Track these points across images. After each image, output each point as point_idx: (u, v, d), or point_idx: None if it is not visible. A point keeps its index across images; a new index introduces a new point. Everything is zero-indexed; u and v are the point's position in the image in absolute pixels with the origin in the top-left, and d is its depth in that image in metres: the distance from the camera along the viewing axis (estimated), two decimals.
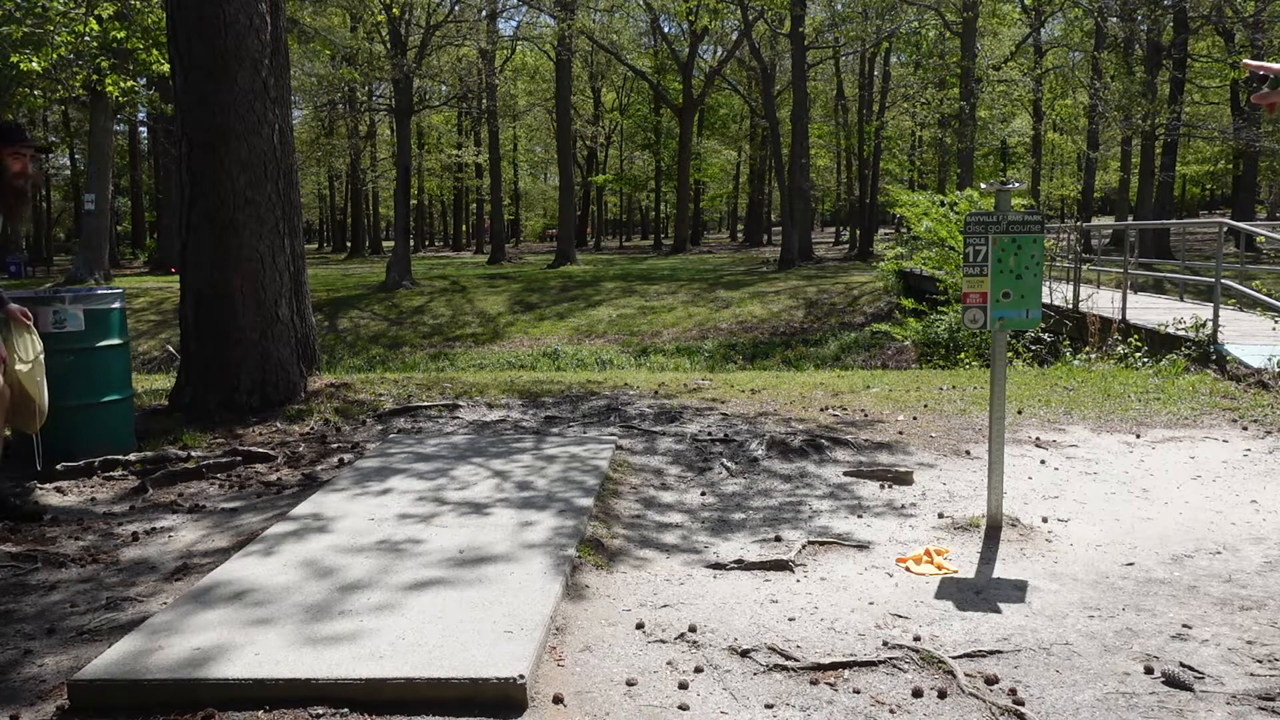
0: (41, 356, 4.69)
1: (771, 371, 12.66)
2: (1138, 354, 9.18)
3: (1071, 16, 33.60)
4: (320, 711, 2.65)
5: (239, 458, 5.55)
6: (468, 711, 2.64)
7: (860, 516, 4.50)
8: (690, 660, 3.01)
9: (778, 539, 4.13)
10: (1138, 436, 5.99)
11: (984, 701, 2.73)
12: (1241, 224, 13.80)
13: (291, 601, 3.27)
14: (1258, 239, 23.90)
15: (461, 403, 7.17)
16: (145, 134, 40.98)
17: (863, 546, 4.07)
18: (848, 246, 40.70)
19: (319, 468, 5.45)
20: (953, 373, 9.46)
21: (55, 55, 16.90)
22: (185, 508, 4.78)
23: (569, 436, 5.99)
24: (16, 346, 4.56)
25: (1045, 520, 4.37)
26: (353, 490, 4.71)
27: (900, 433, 6.13)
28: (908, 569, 3.80)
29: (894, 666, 2.96)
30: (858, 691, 2.81)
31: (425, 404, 7.00)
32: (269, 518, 4.48)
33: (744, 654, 3.04)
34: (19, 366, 4.52)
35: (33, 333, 4.69)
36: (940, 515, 4.47)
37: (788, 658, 3.00)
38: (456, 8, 33.75)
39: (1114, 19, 27.16)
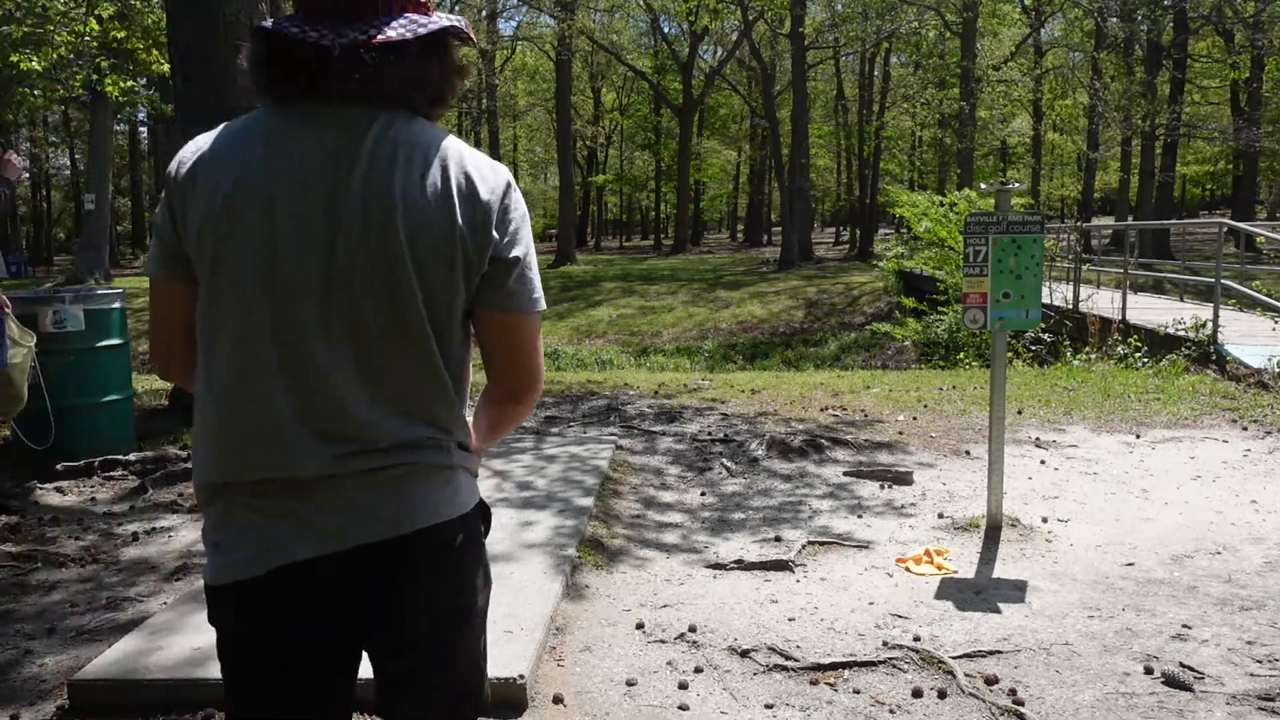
0: (28, 344, 4.74)
1: (771, 371, 12.66)
2: (1138, 354, 9.17)
3: (1071, 17, 33.59)
4: None
5: None
6: None
7: (860, 516, 4.50)
8: (690, 660, 3.01)
9: (778, 539, 4.13)
10: (1138, 437, 5.99)
11: (984, 702, 2.73)
12: (1241, 224, 13.80)
13: None
14: (1258, 239, 23.89)
15: None
16: (145, 134, 40.95)
17: (863, 546, 4.07)
18: (848, 246, 40.67)
19: None
20: (953, 373, 9.46)
21: (55, 55, 16.89)
22: (185, 507, 4.78)
23: (569, 436, 5.99)
24: None
25: (1045, 520, 4.37)
26: None
27: (900, 433, 6.13)
28: (908, 569, 3.80)
29: (894, 666, 2.96)
30: (857, 691, 2.81)
31: None
32: None
33: (744, 654, 3.04)
34: None
35: (8, 318, 4.72)
36: (940, 515, 4.47)
37: (787, 658, 3.00)
38: (456, 8, 33.76)
39: (1114, 19, 27.16)
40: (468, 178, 1.35)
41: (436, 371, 1.38)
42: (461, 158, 1.36)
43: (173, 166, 1.37)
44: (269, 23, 1.36)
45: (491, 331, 1.43)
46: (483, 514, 1.52)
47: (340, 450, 1.32)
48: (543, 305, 1.45)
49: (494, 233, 1.35)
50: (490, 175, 1.37)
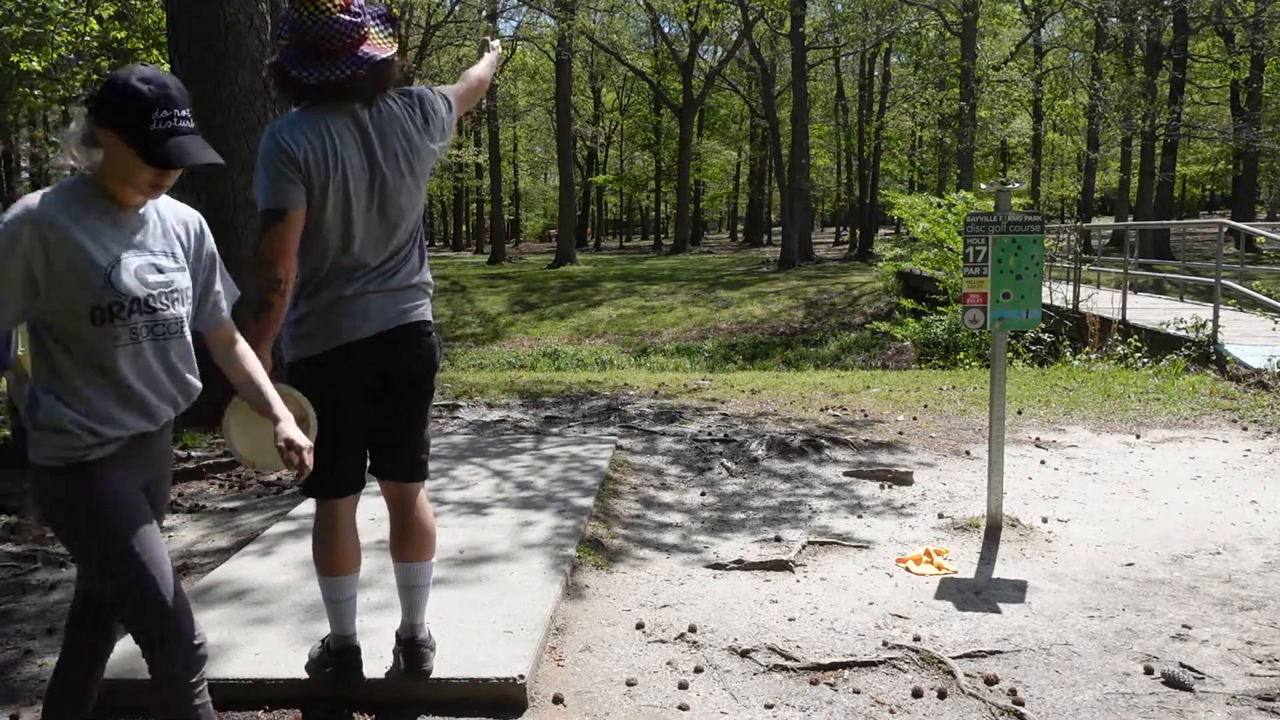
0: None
1: (771, 371, 12.67)
2: (1138, 354, 9.17)
3: (1071, 17, 33.57)
4: (319, 711, 2.65)
5: None
6: (467, 711, 2.64)
7: (860, 516, 4.49)
8: (690, 660, 3.01)
9: (778, 539, 4.13)
10: (1138, 437, 5.99)
11: (984, 702, 2.73)
12: (1241, 224, 13.78)
13: (291, 601, 3.27)
14: (1257, 239, 23.90)
15: (461, 403, 7.17)
16: None
17: (863, 546, 4.07)
18: (848, 247, 40.67)
19: None
20: (953, 373, 9.46)
21: (55, 55, 16.88)
22: (185, 507, 4.78)
23: (569, 436, 5.99)
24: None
25: (1045, 520, 4.37)
26: None
27: (900, 433, 6.12)
28: (908, 569, 3.80)
29: (894, 667, 2.96)
30: (857, 692, 2.81)
31: None
32: (269, 517, 4.48)
33: (744, 654, 3.04)
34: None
35: None
36: (940, 515, 4.47)
37: (788, 658, 3.00)
38: (457, 8, 33.77)
39: (1114, 19, 27.15)
40: (425, 117, 2.56)
41: (421, 232, 2.63)
42: (423, 97, 2.57)
43: (279, 140, 2.34)
44: (272, 59, 2.37)
45: None
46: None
47: (389, 278, 2.52)
48: None
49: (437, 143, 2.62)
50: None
